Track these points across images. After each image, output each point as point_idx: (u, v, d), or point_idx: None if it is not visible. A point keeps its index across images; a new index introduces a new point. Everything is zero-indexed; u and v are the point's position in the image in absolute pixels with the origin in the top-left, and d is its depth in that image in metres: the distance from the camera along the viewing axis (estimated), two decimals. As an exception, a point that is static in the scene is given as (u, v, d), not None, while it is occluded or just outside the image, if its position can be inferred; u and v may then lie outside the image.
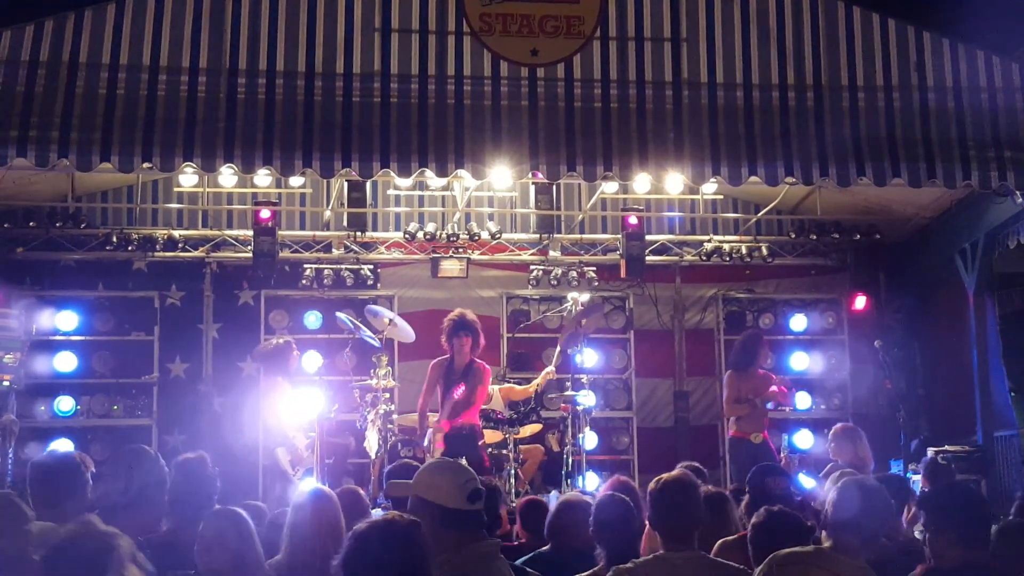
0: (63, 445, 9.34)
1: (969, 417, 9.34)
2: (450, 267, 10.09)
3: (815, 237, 10.54)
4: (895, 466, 8.92)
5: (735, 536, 4.47)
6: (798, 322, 10.80)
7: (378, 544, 2.90)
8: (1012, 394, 9.42)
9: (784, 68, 7.45)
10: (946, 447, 8.84)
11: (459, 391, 7.94)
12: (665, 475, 4.04)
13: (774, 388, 8.42)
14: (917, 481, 7.25)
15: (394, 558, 2.89)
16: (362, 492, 5.41)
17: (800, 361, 10.67)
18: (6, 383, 8.19)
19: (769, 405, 8.46)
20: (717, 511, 4.57)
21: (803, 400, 10.54)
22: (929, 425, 10.01)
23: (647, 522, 4.15)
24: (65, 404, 9.79)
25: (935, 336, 10.33)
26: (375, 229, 10.22)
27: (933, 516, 3.87)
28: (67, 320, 9.85)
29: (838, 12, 7.55)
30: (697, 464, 5.87)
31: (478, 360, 8.17)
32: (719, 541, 4.41)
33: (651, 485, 4.02)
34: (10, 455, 8.26)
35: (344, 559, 2.92)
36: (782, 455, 8.04)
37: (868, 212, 10.20)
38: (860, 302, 10.60)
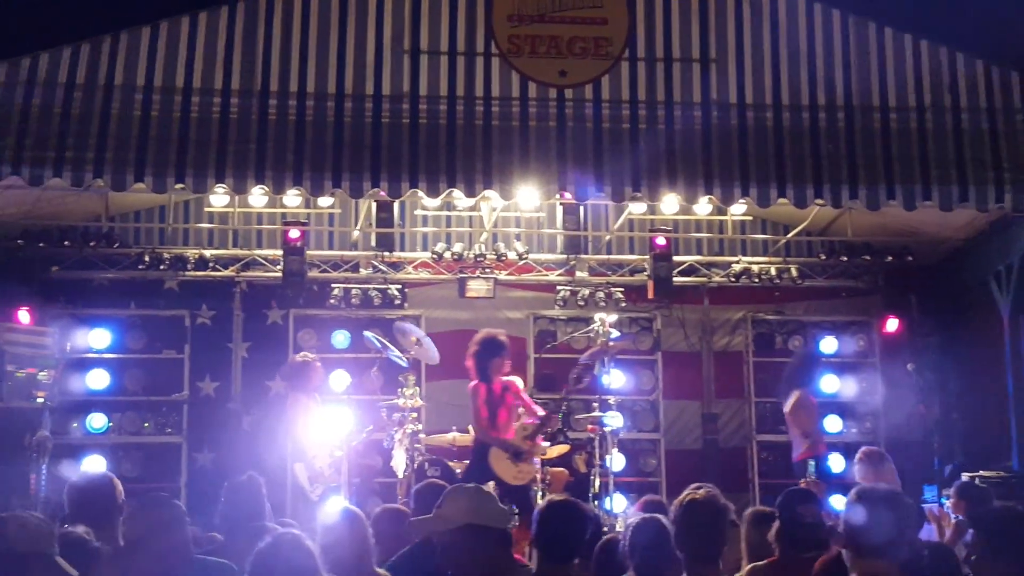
0: (95, 462, 9.43)
1: (1004, 442, 9.17)
2: (477, 287, 10.09)
3: (846, 259, 10.43)
4: (929, 491, 8.78)
5: (765, 562, 4.41)
6: (829, 344, 10.68)
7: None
8: (1048, 419, 9.24)
9: (815, 89, 7.41)
10: (981, 472, 8.68)
11: (502, 411, 7.88)
12: (690, 494, 3.93)
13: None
14: (950, 507, 7.12)
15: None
16: (407, 511, 5.23)
17: (831, 384, 10.54)
18: (40, 400, 8.28)
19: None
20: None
21: (834, 424, 10.40)
22: (963, 450, 9.84)
23: None
24: (97, 421, 9.87)
25: (969, 360, 10.16)
26: (403, 249, 10.26)
27: (990, 538, 3.73)
28: (100, 338, 9.94)
29: (869, 33, 7.51)
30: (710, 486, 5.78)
31: (497, 378, 8.00)
32: (750, 566, 4.35)
33: (674, 504, 3.94)
34: (43, 472, 8.34)
35: None
36: (806, 479, 7.89)
37: (900, 234, 10.09)
38: (892, 324, 10.46)
